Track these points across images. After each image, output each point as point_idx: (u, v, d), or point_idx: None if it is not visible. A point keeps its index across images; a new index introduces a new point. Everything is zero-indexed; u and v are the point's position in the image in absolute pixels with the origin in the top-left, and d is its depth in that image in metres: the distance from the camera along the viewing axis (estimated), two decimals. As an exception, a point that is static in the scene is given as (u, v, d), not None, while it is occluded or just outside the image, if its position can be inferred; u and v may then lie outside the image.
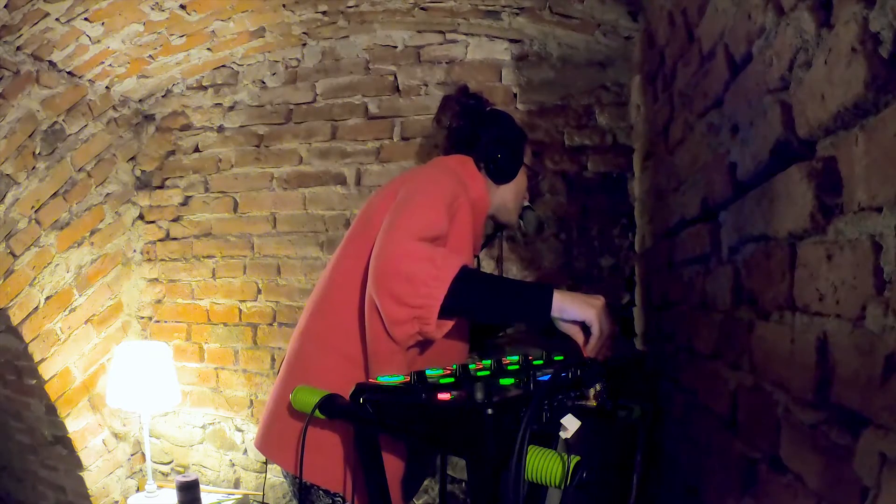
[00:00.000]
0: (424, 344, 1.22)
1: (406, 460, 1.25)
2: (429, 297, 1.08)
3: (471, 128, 1.46)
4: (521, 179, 1.50)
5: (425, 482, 2.40)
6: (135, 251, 2.79)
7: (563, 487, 0.72)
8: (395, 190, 1.28)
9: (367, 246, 1.23)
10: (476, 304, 1.14)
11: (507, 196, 1.48)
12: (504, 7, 2.12)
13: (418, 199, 1.22)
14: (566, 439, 0.84)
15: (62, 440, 2.47)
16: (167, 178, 2.75)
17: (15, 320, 2.22)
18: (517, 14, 2.15)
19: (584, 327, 1.15)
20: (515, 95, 2.34)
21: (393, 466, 1.20)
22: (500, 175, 1.45)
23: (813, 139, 0.71)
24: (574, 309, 1.12)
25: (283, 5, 2.23)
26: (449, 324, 1.14)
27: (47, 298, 2.34)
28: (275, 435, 1.30)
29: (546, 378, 0.90)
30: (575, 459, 0.73)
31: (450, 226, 1.22)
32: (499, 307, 1.15)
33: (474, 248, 1.40)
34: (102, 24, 2.11)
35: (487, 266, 2.32)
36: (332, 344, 1.28)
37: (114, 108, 2.58)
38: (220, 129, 2.68)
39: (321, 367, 1.27)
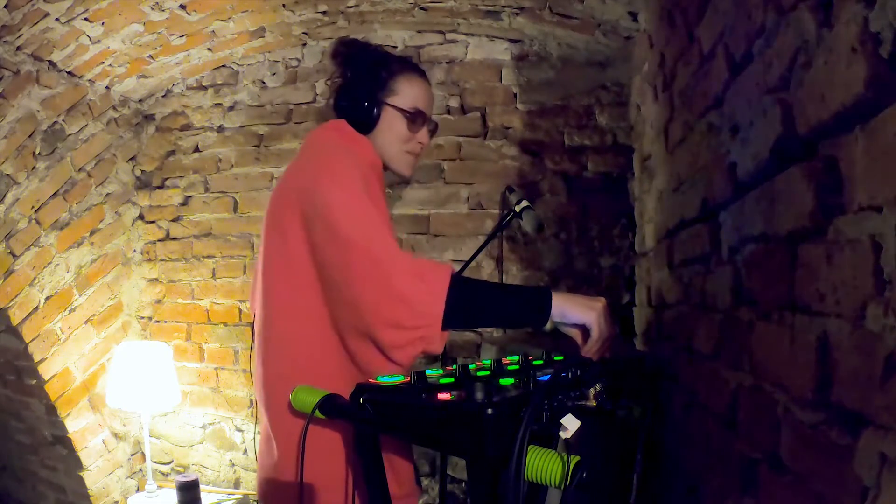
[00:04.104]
0: None
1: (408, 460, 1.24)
2: (428, 315, 1.05)
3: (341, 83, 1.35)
4: (390, 124, 1.32)
5: (425, 482, 2.40)
6: (135, 251, 2.79)
7: (563, 487, 0.72)
8: (291, 197, 1.19)
9: (295, 268, 1.17)
10: (475, 314, 1.13)
11: (382, 142, 1.33)
12: (504, 7, 2.12)
13: (347, 210, 1.12)
14: (566, 439, 0.84)
15: (62, 440, 2.47)
16: (167, 178, 2.75)
17: (15, 320, 2.22)
18: (517, 14, 2.15)
19: (585, 329, 1.15)
20: (515, 95, 2.34)
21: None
22: (359, 126, 1.31)
23: (813, 139, 0.71)
24: (575, 312, 1.12)
25: (283, 5, 2.23)
26: (447, 335, 1.13)
27: (47, 298, 2.34)
28: (270, 481, 1.24)
29: (546, 378, 0.90)
30: (575, 459, 0.73)
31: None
32: (498, 313, 1.14)
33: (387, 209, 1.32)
34: (102, 24, 2.11)
35: (487, 266, 2.32)
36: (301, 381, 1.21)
37: (114, 108, 2.58)
38: (220, 129, 2.68)
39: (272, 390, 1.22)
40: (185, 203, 2.74)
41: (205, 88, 2.70)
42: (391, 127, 1.32)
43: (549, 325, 1.15)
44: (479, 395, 0.79)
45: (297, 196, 1.19)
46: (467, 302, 1.09)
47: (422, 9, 2.24)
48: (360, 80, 1.30)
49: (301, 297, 1.17)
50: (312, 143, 1.33)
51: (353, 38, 1.39)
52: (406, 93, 1.33)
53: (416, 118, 1.33)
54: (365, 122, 1.30)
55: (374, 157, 1.31)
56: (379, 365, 1.13)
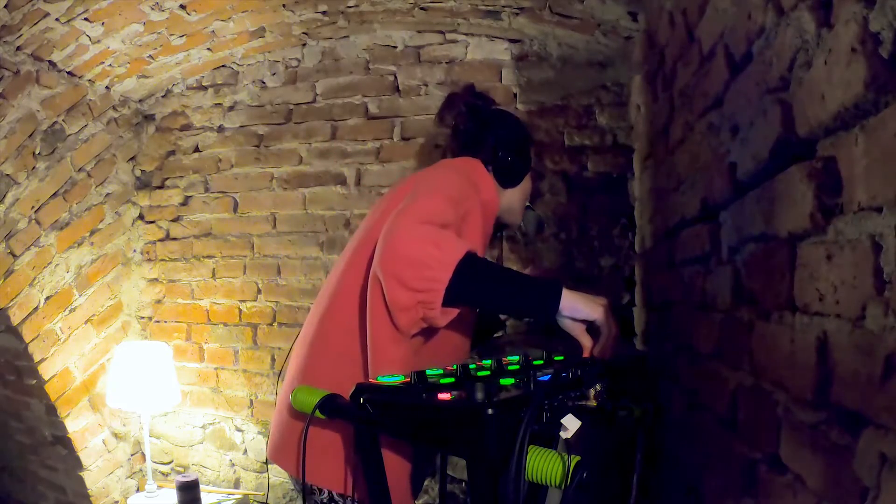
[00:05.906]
0: (427, 336, 1.22)
1: (410, 460, 1.25)
2: (433, 280, 1.06)
3: (478, 130, 1.45)
4: (527, 182, 1.49)
5: (425, 482, 2.40)
6: (135, 251, 2.79)
7: (563, 487, 0.72)
8: (403, 194, 1.27)
9: (371, 254, 1.22)
10: (481, 292, 1.12)
11: (514, 198, 1.47)
12: (504, 7, 2.12)
13: (424, 191, 1.21)
14: (566, 439, 0.84)
15: (62, 440, 2.47)
16: (167, 178, 2.75)
17: (15, 320, 2.22)
18: (517, 14, 2.15)
19: (587, 326, 1.15)
20: (515, 95, 2.34)
21: (397, 466, 1.20)
22: (508, 179, 1.44)
23: (813, 139, 0.71)
24: (586, 308, 1.12)
25: (283, 5, 2.23)
26: (454, 312, 1.13)
27: (47, 298, 2.34)
28: (284, 443, 1.30)
29: (546, 378, 0.90)
30: (575, 459, 0.73)
31: (461, 226, 1.21)
32: (505, 297, 1.14)
33: (482, 249, 1.40)
34: (102, 24, 2.11)
35: (487, 266, 2.32)
36: (334, 347, 1.28)
37: (114, 108, 2.58)
38: (220, 129, 2.68)
39: (323, 369, 1.27)
40: (185, 203, 2.74)
41: (205, 88, 2.70)
42: (525, 186, 1.48)
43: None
44: (480, 395, 0.79)
45: (409, 186, 1.29)
46: (475, 277, 1.10)
47: (422, 9, 2.24)
48: (517, 146, 1.44)
49: (362, 276, 1.25)
50: (443, 164, 1.44)
51: (484, 93, 1.55)
52: (532, 157, 1.51)
53: (537, 175, 1.54)
54: (515, 180, 1.45)
55: (494, 199, 1.40)
56: (387, 336, 1.17)
